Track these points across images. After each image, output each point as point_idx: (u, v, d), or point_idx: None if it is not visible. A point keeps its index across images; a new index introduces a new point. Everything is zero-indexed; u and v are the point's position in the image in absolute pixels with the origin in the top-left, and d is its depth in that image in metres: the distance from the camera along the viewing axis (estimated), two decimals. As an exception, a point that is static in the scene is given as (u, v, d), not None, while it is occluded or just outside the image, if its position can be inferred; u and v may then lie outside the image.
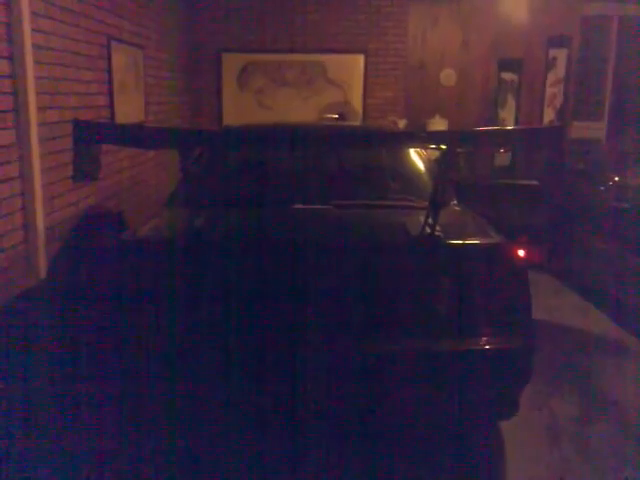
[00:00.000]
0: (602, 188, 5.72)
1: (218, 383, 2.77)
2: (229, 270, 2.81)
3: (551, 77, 7.85)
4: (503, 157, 6.11)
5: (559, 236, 5.93)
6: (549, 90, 7.85)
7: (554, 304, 5.26)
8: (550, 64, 7.82)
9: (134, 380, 2.78)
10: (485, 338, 2.77)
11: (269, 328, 2.77)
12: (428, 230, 2.84)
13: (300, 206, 3.35)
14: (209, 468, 3.02)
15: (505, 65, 7.82)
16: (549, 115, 7.89)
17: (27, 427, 3.11)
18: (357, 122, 7.42)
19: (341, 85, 7.84)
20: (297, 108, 7.80)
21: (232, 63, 7.78)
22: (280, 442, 3.02)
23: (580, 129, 7.80)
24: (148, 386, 2.78)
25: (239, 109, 7.79)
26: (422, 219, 2.92)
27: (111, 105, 4.79)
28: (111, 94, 4.78)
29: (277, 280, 2.80)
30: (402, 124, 7.58)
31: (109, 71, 4.74)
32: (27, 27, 3.35)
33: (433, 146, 3.26)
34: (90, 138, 2.83)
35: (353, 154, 3.99)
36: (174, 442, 3.03)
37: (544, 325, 4.73)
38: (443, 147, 2.92)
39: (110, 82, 4.76)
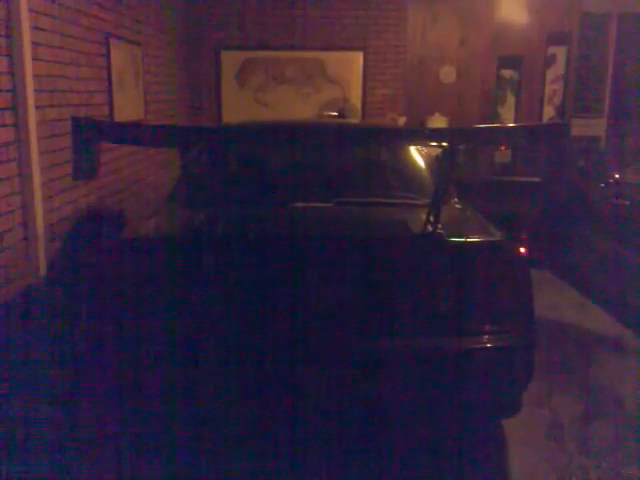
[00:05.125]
0: (602, 185, 5.72)
1: (219, 381, 2.76)
2: (229, 268, 2.80)
3: (551, 74, 7.84)
4: (504, 154, 6.11)
5: (559, 233, 5.92)
6: (549, 87, 7.84)
7: (553, 301, 5.25)
8: (550, 61, 7.81)
9: (134, 379, 2.77)
10: (487, 336, 2.76)
11: (270, 326, 2.76)
12: (430, 228, 2.83)
13: (301, 204, 3.34)
14: (210, 469, 3.00)
15: (505, 62, 7.81)
16: (549, 112, 7.88)
17: (28, 426, 3.10)
18: (356, 119, 7.41)
19: (340, 82, 7.83)
20: (296, 105, 7.78)
21: (231, 60, 7.77)
22: (280, 441, 3.01)
23: (580, 126, 7.79)
24: (148, 385, 2.77)
25: (238, 106, 7.78)
26: (423, 216, 2.91)
27: (110, 102, 4.77)
28: (110, 91, 4.76)
29: (278, 277, 2.79)
30: (402, 121, 7.57)
31: (108, 68, 4.72)
32: (26, 24, 3.34)
33: (434, 143, 3.25)
34: (89, 136, 2.82)
35: (353, 151, 3.98)
36: (175, 443, 3.03)
37: (543, 322, 4.71)
38: (444, 144, 2.91)
39: (109, 79, 4.74)
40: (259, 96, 7.83)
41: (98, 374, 2.86)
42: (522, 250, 2.89)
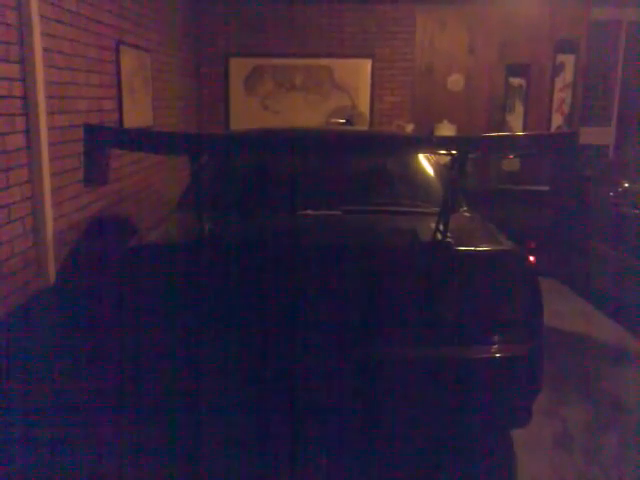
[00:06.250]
0: (611, 194, 5.70)
1: (223, 385, 2.76)
2: (237, 275, 2.81)
3: (559, 82, 7.84)
4: (512, 162, 6.10)
5: (567, 241, 5.91)
6: (557, 95, 7.83)
7: (559, 309, 5.24)
8: (558, 69, 7.81)
9: (141, 384, 2.77)
10: (496, 346, 2.75)
11: (278, 332, 2.76)
12: (439, 236, 2.82)
13: (309, 211, 3.34)
14: (209, 469, 3.01)
15: (513, 70, 7.81)
16: (557, 120, 7.87)
17: (28, 428, 3.11)
18: (364, 127, 7.42)
19: (348, 90, 7.84)
20: (304, 113, 7.80)
21: (239, 67, 7.79)
22: (280, 446, 3.02)
23: (588, 135, 7.78)
24: (154, 391, 2.77)
25: (246, 113, 7.80)
26: (432, 225, 2.90)
27: (120, 109, 4.79)
28: (120, 98, 4.79)
29: (286, 285, 2.79)
30: (409, 129, 7.57)
31: (118, 75, 4.74)
32: (37, 31, 3.36)
33: (443, 152, 3.25)
34: (101, 142, 2.83)
35: (361, 159, 3.98)
36: (175, 444, 3.03)
37: (551, 330, 4.71)
38: (453, 152, 2.91)
39: (119, 86, 4.76)
40: (267, 103, 7.85)
41: (104, 380, 2.87)
42: (531, 259, 2.88)
